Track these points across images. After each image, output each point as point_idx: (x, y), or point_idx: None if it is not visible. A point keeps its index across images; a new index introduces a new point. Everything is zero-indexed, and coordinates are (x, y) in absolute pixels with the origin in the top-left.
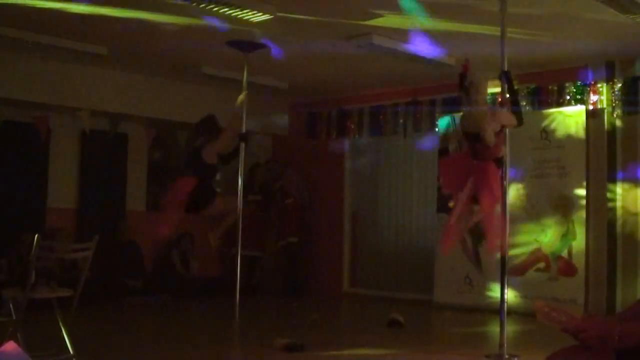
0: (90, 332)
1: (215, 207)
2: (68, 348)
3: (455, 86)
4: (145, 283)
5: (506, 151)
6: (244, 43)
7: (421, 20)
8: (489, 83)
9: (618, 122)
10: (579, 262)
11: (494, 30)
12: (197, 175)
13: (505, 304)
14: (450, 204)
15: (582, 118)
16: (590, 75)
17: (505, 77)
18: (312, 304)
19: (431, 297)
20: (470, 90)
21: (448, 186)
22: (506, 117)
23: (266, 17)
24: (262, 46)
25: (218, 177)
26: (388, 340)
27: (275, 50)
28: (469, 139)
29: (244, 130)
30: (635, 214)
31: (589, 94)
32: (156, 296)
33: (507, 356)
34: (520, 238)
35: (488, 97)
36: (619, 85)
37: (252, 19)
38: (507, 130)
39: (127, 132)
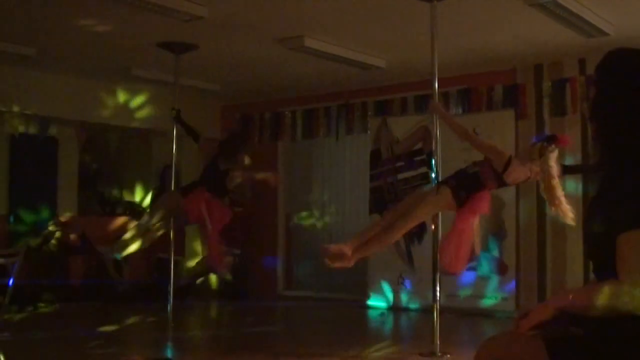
0: (25, 339)
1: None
2: None
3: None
4: (78, 289)
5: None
6: (176, 44)
7: None
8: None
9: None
10: (510, 260)
11: (424, 33)
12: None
13: (438, 303)
14: None
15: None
16: (519, 77)
17: None
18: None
19: (365, 297)
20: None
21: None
22: None
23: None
24: (194, 47)
25: None
26: (320, 340)
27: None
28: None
29: None
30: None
31: (517, 96)
32: (90, 302)
33: (439, 354)
34: None
35: None
36: (547, 87)
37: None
38: (438, 131)
39: (58, 135)
